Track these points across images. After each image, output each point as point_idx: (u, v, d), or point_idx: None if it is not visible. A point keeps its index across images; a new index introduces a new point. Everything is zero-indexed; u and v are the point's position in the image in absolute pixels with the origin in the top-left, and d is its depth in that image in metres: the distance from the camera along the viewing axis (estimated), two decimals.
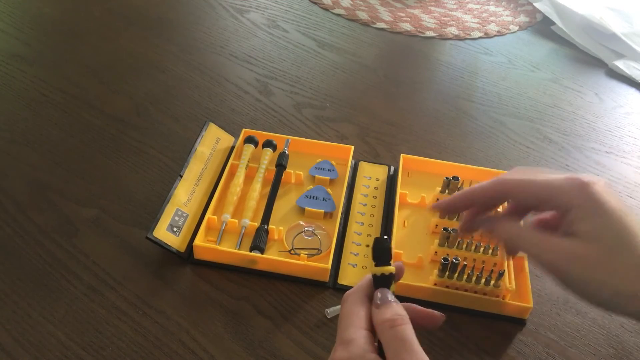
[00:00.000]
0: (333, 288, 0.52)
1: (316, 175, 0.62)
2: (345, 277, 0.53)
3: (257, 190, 0.59)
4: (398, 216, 0.58)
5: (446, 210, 0.48)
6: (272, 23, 0.94)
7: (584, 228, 0.37)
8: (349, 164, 0.63)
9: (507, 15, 1.04)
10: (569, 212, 0.38)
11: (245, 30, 0.92)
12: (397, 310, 0.33)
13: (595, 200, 0.37)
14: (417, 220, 0.59)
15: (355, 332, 0.32)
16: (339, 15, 0.99)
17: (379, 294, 0.34)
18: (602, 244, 0.37)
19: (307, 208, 0.58)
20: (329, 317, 0.50)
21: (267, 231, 0.55)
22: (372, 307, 0.34)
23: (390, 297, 0.34)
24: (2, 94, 0.74)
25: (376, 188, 0.63)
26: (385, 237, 0.36)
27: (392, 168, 0.65)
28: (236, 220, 0.56)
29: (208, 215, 0.55)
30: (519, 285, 0.52)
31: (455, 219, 0.56)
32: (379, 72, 0.85)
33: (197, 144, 0.61)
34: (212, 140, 0.64)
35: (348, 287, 0.52)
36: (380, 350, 0.32)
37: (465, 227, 0.46)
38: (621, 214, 0.37)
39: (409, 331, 0.32)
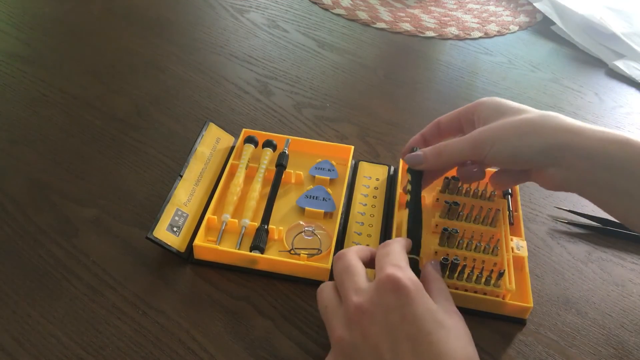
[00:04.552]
0: None
1: (316, 175, 0.62)
2: None
3: (257, 190, 0.59)
4: (398, 216, 0.58)
5: (422, 143, 0.55)
6: (272, 23, 0.94)
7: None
8: (349, 164, 0.63)
9: (507, 15, 1.04)
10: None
11: (245, 30, 0.92)
12: None
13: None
14: None
15: (364, 282, 0.39)
16: (339, 15, 0.99)
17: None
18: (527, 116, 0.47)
19: (307, 208, 0.58)
20: None
21: (267, 231, 0.55)
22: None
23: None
24: (2, 94, 0.74)
25: (376, 188, 0.63)
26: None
27: (392, 168, 0.65)
28: (236, 220, 0.56)
29: (208, 215, 0.55)
30: (519, 285, 0.52)
31: (455, 219, 0.56)
32: (379, 72, 0.85)
33: (197, 144, 0.61)
34: (212, 140, 0.64)
35: None
36: None
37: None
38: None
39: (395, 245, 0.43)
